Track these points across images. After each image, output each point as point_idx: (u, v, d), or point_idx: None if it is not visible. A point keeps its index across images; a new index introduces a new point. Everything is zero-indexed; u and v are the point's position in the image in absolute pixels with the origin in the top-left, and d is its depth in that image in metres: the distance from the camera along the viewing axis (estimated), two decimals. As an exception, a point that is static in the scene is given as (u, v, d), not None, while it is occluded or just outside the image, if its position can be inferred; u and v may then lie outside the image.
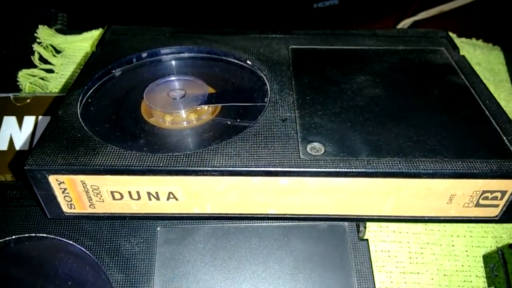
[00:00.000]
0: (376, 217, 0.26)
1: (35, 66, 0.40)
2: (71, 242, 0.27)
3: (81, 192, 0.25)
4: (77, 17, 0.47)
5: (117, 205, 0.25)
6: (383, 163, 0.24)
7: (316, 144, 0.25)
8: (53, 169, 0.23)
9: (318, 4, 0.59)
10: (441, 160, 0.24)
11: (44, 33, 0.41)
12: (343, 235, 0.28)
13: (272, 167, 0.24)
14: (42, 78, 0.39)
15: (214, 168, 0.23)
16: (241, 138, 0.25)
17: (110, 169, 0.23)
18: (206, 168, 0.23)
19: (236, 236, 0.28)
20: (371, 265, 0.27)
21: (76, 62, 0.41)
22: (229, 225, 0.28)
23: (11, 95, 0.37)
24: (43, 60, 0.41)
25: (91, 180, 0.24)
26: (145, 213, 0.26)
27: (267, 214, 0.26)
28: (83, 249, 0.27)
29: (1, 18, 0.49)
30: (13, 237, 0.27)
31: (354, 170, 0.23)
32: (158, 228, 0.27)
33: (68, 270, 0.27)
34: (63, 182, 0.24)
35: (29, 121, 0.36)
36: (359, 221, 0.27)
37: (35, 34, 0.41)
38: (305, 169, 0.24)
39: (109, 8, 0.45)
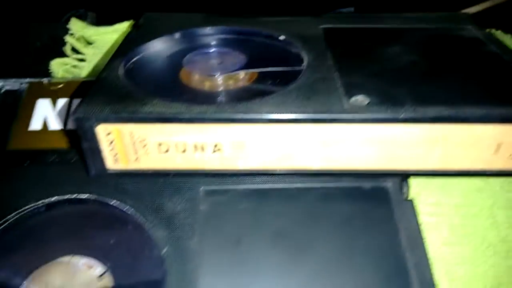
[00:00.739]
0: (421, 171, 0.26)
1: (67, 57, 0.41)
2: (113, 202, 0.27)
3: (127, 145, 0.25)
4: (106, 16, 0.48)
5: (163, 159, 0.25)
6: (430, 109, 0.24)
7: (360, 97, 0.25)
8: (102, 117, 0.24)
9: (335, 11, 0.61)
10: (488, 105, 0.24)
11: (76, 26, 0.42)
12: (387, 196, 0.27)
13: (318, 114, 0.24)
14: (74, 66, 0.40)
15: (261, 116, 0.24)
16: (284, 93, 0.25)
17: (158, 116, 0.24)
18: (253, 116, 0.24)
19: (278, 198, 0.27)
20: (419, 225, 0.26)
21: (107, 52, 0.42)
22: (271, 185, 0.28)
23: (45, 79, 0.38)
24: (75, 51, 0.42)
25: (138, 130, 0.24)
26: (190, 169, 0.26)
27: (311, 170, 0.26)
28: (126, 208, 0.27)
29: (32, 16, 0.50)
30: (55, 198, 0.27)
31: (400, 116, 0.24)
32: (201, 188, 0.27)
33: (110, 230, 0.27)
34: (110, 133, 0.24)
35: (63, 103, 0.37)
36: (404, 176, 0.27)
37: (67, 26, 0.42)
38: (351, 116, 0.24)
39: (137, 8, 0.46)
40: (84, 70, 0.41)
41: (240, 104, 0.24)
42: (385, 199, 0.27)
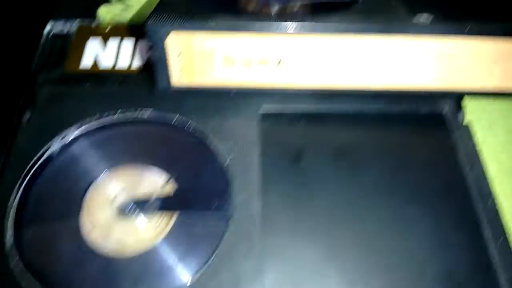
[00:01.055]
0: (479, 91, 0.26)
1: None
2: (176, 117, 0.27)
3: (194, 57, 0.25)
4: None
5: (227, 74, 0.26)
6: (495, 24, 0.24)
7: (424, 14, 0.26)
8: (174, 26, 0.24)
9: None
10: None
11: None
12: (443, 120, 0.28)
13: (385, 25, 0.24)
14: (120, 13, 0.41)
15: (326, 26, 0.24)
16: (347, 12, 0.26)
17: (228, 26, 0.24)
18: (318, 27, 0.24)
19: (337, 121, 0.28)
20: (475, 147, 0.26)
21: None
22: (329, 108, 0.28)
23: (95, 22, 0.38)
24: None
25: (206, 41, 0.25)
26: (252, 86, 0.26)
27: (372, 89, 0.26)
28: (188, 124, 0.27)
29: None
30: (119, 114, 0.28)
31: (464, 30, 0.24)
32: (261, 108, 0.28)
33: (173, 144, 0.27)
34: (179, 44, 0.25)
35: (113, 42, 0.37)
36: (460, 98, 0.27)
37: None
38: (417, 29, 0.24)
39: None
40: (129, 15, 0.41)
41: (304, 18, 0.25)
42: (442, 123, 0.27)
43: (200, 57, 0.25)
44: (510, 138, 0.29)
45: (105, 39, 0.37)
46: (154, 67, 0.25)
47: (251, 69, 0.26)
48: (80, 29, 0.38)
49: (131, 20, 0.41)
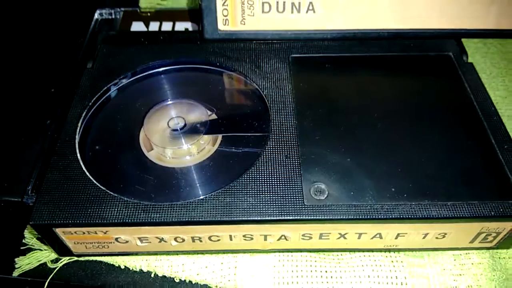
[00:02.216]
0: (479, 31, 0.31)
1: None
2: (218, 62, 0.32)
3: (237, 4, 0.30)
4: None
5: (264, 20, 0.30)
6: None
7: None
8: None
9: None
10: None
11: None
12: (451, 60, 0.32)
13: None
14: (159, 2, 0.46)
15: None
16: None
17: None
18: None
19: (358, 64, 0.32)
20: (479, 79, 0.31)
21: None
22: (351, 54, 0.32)
23: (138, 8, 0.44)
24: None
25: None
26: (287, 30, 0.31)
27: (389, 30, 0.31)
28: (228, 67, 0.31)
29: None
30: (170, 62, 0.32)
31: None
32: (292, 55, 0.32)
33: (216, 83, 0.31)
34: (224, -6, 0.30)
35: (153, 25, 0.42)
36: (464, 37, 0.32)
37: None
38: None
39: None
40: (167, 3, 0.47)
41: None
42: (449, 63, 0.32)
43: (241, 5, 0.30)
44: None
45: (147, 23, 0.42)
46: (201, 15, 0.30)
47: (285, 14, 0.30)
48: (125, 13, 0.43)
49: (170, 7, 0.47)
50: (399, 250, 0.27)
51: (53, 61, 0.41)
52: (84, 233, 0.25)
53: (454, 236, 0.26)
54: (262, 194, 0.25)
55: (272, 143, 0.27)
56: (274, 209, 0.24)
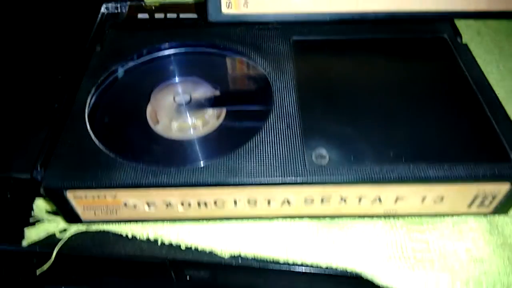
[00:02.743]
0: (472, 12, 0.32)
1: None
2: (222, 45, 0.33)
3: (240, -13, 0.32)
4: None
5: (267, 3, 0.32)
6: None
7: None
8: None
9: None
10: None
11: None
12: (446, 42, 0.33)
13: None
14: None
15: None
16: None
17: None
18: None
19: (356, 47, 0.33)
20: (474, 59, 0.32)
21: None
22: (348, 37, 0.34)
23: (143, 2, 0.45)
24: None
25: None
26: (288, 12, 0.32)
27: (382, 11, 0.32)
28: (231, 49, 0.33)
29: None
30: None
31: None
32: (292, 37, 0.33)
33: (220, 64, 0.33)
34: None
35: (158, 15, 0.44)
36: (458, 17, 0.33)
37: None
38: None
39: None
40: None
41: None
42: (444, 44, 0.33)
43: (244, -13, 0.31)
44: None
45: (152, 16, 0.44)
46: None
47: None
48: (130, 7, 0.44)
49: (174, 0, 0.48)
50: (398, 216, 0.28)
51: (61, 50, 0.42)
52: (93, 197, 0.25)
53: (452, 200, 0.27)
54: (266, 159, 0.26)
55: (274, 115, 0.28)
56: (277, 172, 0.25)
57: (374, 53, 0.33)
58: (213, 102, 0.30)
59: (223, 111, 0.30)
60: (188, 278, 0.30)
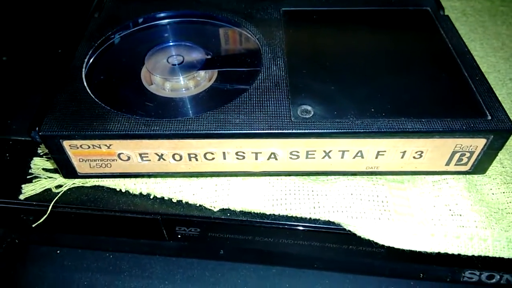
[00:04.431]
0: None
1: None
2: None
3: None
4: None
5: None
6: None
7: None
8: None
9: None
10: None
11: None
12: (428, 13, 0.35)
13: None
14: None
15: None
16: None
17: None
18: None
19: (343, 17, 0.35)
20: (455, 28, 0.33)
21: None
22: (335, 8, 0.35)
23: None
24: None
25: None
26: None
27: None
28: (222, 17, 0.34)
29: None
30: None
31: None
32: (283, 5, 0.35)
33: (215, 32, 0.34)
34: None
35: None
36: None
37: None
38: None
39: None
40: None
41: None
42: (428, 16, 0.34)
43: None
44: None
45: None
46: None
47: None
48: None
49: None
50: (380, 173, 0.29)
51: (64, 20, 0.44)
52: (89, 147, 0.27)
53: (430, 157, 0.28)
54: (254, 114, 0.27)
55: (263, 76, 0.29)
56: (264, 124, 0.26)
57: (360, 22, 0.34)
58: (204, 64, 0.31)
59: (215, 73, 0.31)
60: (179, 236, 0.31)
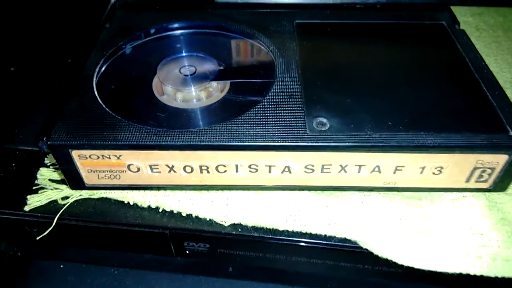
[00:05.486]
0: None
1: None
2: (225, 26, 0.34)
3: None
4: None
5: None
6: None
7: None
8: None
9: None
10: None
11: None
12: (444, 28, 0.34)
13: None
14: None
15: None
16: None
17: None
18: None
19: (357, 30, 0.34)
20: (471, 42, 0.33)
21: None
22: (349, 21, 0.35)
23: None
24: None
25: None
26: None
27: None
28: (236, 29, 0.34)
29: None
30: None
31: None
32: (295, 21, 0.35)
33: (228, 43, 0.34)
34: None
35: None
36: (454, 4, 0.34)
37: None
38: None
39: None
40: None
41: None
42: (444, 31, 0.34)
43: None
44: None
45: None
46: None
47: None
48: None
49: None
50: (398, 189, 0.28)
51: (74, 31, 0.43)
52: (98, 157, 0.26)
53: (450, 173, 0.27)
54: (268, 125, 0.26)
55: (277, 87, 0.29)
56: (279, 136, 0.25)
57: (375, 35, 0.34)
58: (217, 75, 0.30)
59: (227, 85, 0.30)
60: (187, 252, 0.30)
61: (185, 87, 0.30)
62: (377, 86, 0.29)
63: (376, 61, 0.31)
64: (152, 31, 0.34)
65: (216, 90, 0.30)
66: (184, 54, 0.32)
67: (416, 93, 0.28)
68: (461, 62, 0.31)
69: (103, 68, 0.31)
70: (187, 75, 0.30)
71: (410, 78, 0.30)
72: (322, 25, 0.34)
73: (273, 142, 0.25)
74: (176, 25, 0.35)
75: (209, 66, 0.31)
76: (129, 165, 0.26)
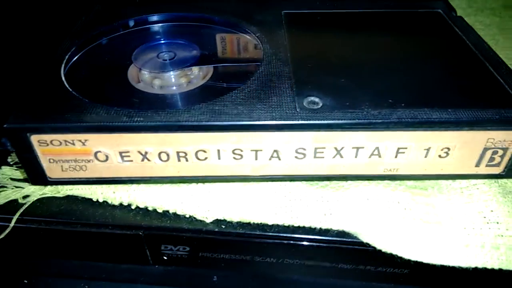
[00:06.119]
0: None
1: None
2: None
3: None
4: None
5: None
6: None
7: None
8: None
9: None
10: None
11: None
12: (441, 15, 0.32)
13: None
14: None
15: None
16: None
17: None
18: None
19: (350, 19, 0.32)
20: (469, 26, 0.31)
21: None
22: (340, 10, 0.33)
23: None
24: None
25: None
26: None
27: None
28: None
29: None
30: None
31: None
32: (283, 11, 0.33)
33: (212, 31, 0.32)
34: None
35: None
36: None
37: None
38: None
39: None
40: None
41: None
42: (441, 17, 0.32)
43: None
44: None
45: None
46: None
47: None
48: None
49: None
50: (400, 177, 0.25)
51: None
52: (60, 143, 0.23)
53: (459, 155, 0.24)
54: (254, 104, 0.23)
55: (263, 68, 0.26)
56: (265, 115, 0.23)
57: (370, 24, 0.32)
58: (198, 59, 0.28)
59: (210, 72, 0.28)
60: (165, 258, 0.27)
61: (163, 72, 0.27)
62: (375, 68, 0.27)
63: (373, 46, 0.29)
64: (131, 23, 0.32)
65: (197, 78, 0.28)
66: (163, 42, 0.30)
67: (418, 73, 0.26)
68: (463, 45, 0.29)
69: (75, 57, 0.28)
70: (166, 60, 0.28)
71: (410, 61, 0.27)
72: (312, 14, 0.32)
73: (259, 120, 0.22)
74: (156, 17, 0.32)
75: (190, 52, 0.29)
76: (96, 153, 0.23)
